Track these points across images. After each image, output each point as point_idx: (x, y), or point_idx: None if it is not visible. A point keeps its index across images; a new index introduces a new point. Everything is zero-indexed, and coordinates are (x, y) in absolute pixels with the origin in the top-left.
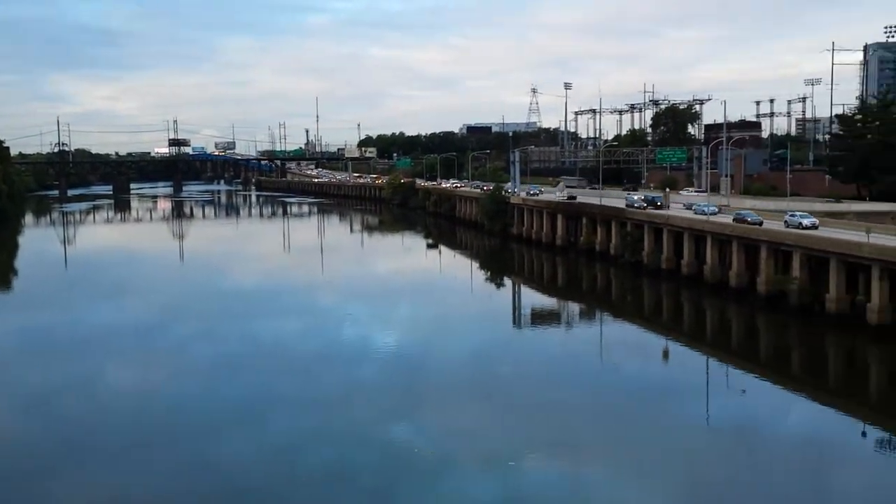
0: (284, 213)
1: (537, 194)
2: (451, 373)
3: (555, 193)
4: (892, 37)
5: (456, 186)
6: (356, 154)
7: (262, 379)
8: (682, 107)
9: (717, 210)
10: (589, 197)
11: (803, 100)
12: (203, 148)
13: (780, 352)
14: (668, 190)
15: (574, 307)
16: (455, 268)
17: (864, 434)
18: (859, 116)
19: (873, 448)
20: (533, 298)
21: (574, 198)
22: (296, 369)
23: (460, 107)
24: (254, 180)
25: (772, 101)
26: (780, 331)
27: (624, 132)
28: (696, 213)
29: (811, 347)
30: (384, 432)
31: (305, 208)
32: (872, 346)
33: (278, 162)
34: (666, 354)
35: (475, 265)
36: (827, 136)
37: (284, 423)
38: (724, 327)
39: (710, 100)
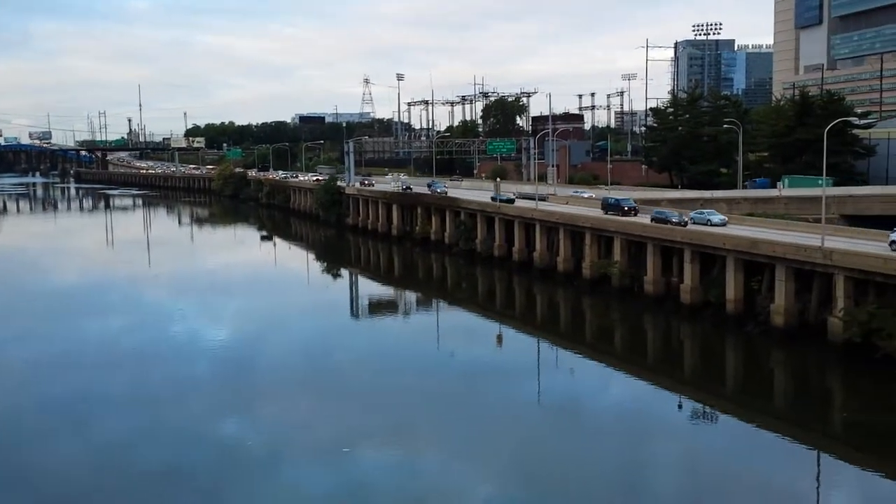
0: (107, 206)
1: (372, 184)
2: (286, 365)
3: (390, 184)
4: (700, 35)
5: (317, 179)
6: (183, 144)
7: (85, 379)
8: (510, 99)
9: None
10: (461, 190)
11: (621, 94)
12: (16, 138)
13: (604, 332)
14: (498, 180)
15: (411, 296)
16: (290, 260)
17: (680, 406)
18: (671, 110)
19: (688, 418)
20: (370, 288)
21: (410, 188)
22: (122, 369)
23: (293, 96)
24: (72, 172)
25: (593, 94)
26: (603, 312)
27: (456, 123)
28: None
29: (632, 327)
30: (216, 429)
31: (129, 201)
32: (685, 323)
33: (99, 153)
34: (500, 338)
35: (311, 256)
36: (643, 129)
37: (110, 424)
38: (552, 310)
39: (536, 93)
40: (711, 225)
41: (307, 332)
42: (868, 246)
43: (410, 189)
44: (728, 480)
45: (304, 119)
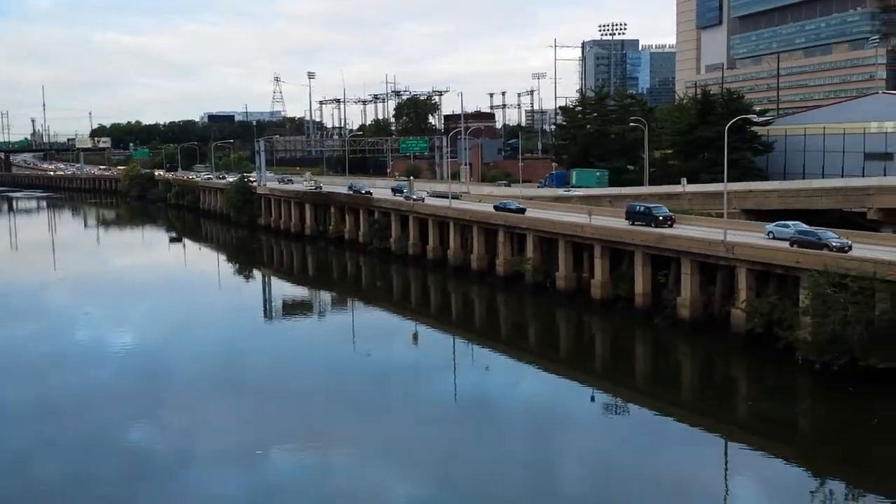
0: (10, 208)
1: (290, 182)
2: (197, 369)
3: (302, 183)
4: (606, 35)
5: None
6: (89, 144)
7: None
8: (422, 98)
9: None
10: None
11: (531, 93)
12: None
13: (518, 328)
14: (411, 178)
15: (325, 296)
16: (201, 261)
17: (592, 399)
18: (579, 108)
19: (600, 411)
20: (283, 289)
21: (320, 187)
22: (22, 375)
23: (201, 95)
24: None
25: (503, 93)
26: (517, 308)
27: (368, 122)
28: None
29: (545, 322)
30: (123, 435)
31: (34, 203)
32: (596, 318)
33: (1, 154)
34: (415, 337)
35: (223, 258)
36: (553, 127)
37: (7, 433)
38: (467, 308)
39: (448, 91)
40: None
41: (219, 334)
42: (759, 239)
43: (321, 188)
44: (637, 470)
45: (213, 118)
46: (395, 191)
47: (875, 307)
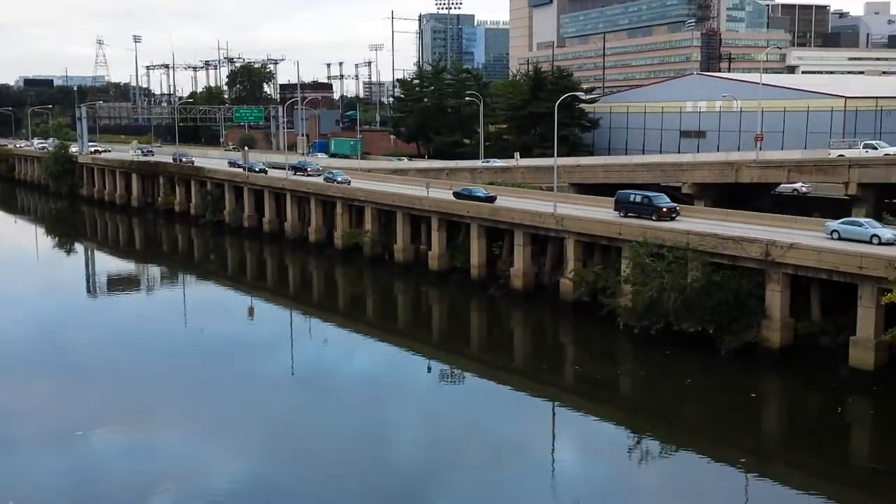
0: None
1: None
2: (13, 348)
3: (129, 151)
4: (443, 9)
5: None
6: None
7: None
8: (256, 66)
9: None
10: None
11: (368, 64)
12: None
13: (356, 300)
14: (246, 148)
15: (155, 270)
16: (16, 234)
17: (429, 369)
18: (417, 81)
19: (437, 380)
20: (109, 264)
21: (152, 153)
22: None
23: (16, 58)
24: None
25: (341, 63)
26: (356, 281)
27: (200, 89)
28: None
29: (383, 294)
30: None
31: None
32: (434, 289)
33: None
34: (251, 311)
35: (41, 231)
36: (391, 99)
37: None
38: (305, 281)
39: (283, 60)
40: None
41: (37, 312)
42: (588, 211)
43: (152, 154)
44: (467, 435)
45: (29, 82)
46: (232, 164)
47: (688, 275)
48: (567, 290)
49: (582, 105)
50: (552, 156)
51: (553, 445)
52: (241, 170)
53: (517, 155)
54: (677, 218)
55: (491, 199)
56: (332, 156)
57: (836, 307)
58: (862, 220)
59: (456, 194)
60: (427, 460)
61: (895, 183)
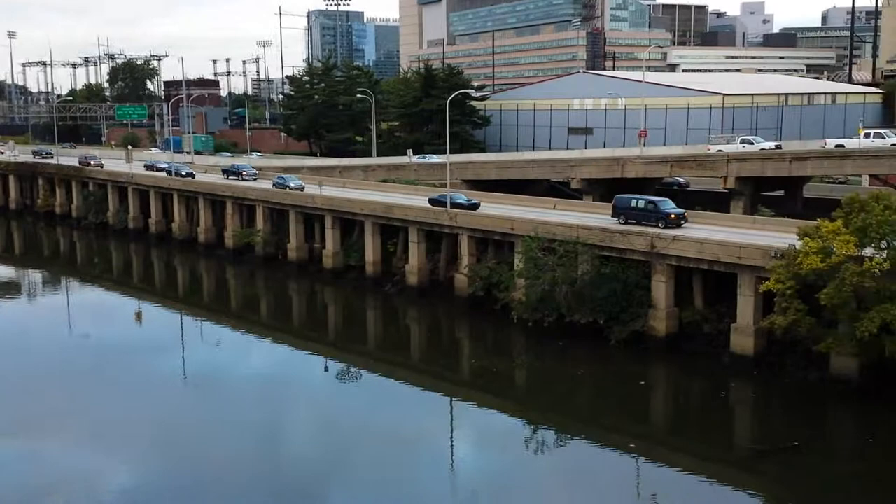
0: None
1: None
2: None
3: (4, 152)
4: (332, 5)
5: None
6: None
7: None
8: (139, 62)
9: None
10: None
11: (256, 60)
12: None
13: (249, 301)
14: (129, 147)
15: (36, 276)
16: None
17: (326, 368)
18: (307, 78)
19: (335, 379)
20: None
21: (50, 155)
22: None
23: None
24: None
25: (227, 60)
26: (248, 281)
27: (79, 87)
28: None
29: (277, 294)
30: None
31: None
32: (329, 288)
33: None
34: (139, 315)
35: None
36: (280, 96)
37: None
38: (195, 283)
39: (167, 56)
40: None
41: None
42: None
43: (51, 156)
44: (369, 433)
45: None
46: (150, 167)
47: (578, 268)
48: (462, 286)
49: (473, 102)
50: (444, 152)
51: (451, 439)
52: (162, 174)
53: (410, 152)
54: (684, 225)
55: (474, 206)
56: (185, 153)
57: (718, 296)
58: None
59: (432, 201)
60: (324, 459)
61: (770, 176)
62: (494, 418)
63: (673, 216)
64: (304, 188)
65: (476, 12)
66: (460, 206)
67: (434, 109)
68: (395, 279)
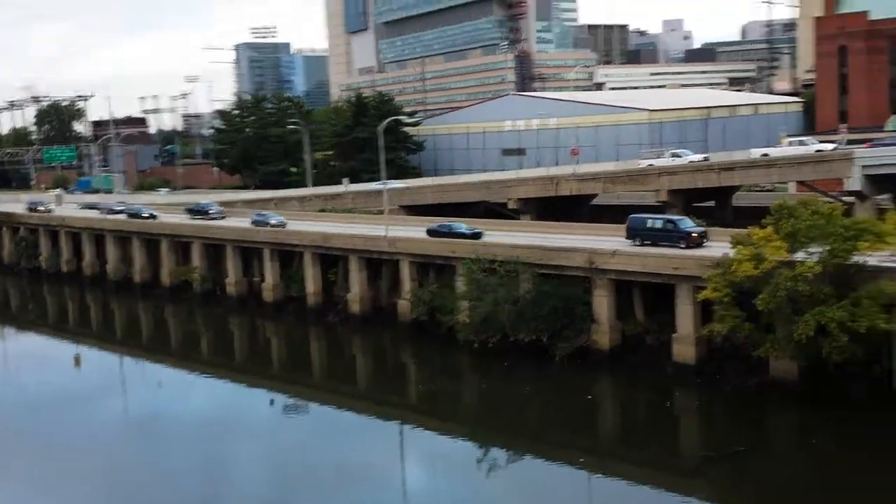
0: None
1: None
2: None
3: None
4: (259, 38)
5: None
6: None
7: None
8: (65, 104)
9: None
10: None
11: (185, 96)
12: None
13: (189, 339)
14: (60, 190)
15: None
16: None
17: (272, 402)
18: (237, 112)
19: (280, 412)
20: None
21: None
22: None
23: None
24: None
25: (155, 97)
26: (187, 319)
27: (5, 131)
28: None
29: (217, 330)
30: None
31: None
32: (270, 321)
33: None
34: (77, 360)
35: None
36: (211, 131)
37: None
38: (133, 324)
39: (93, 96)
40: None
41: None
42: (421, 232)
43: None
44: (318, 465)
45: None
46: (108, 211)
47: (519, 287)
48: (405, 311)
49: (406, 128)
50: (380, 179)
51: (402, 465)
52: (121, 216)
53: (346, 181)
54: (706, 244)
55: (477, 236)
56: (95, 191)
57: (659, 307)
58: None
59: (431, 231)
60: (273, 497)
61: (701, 188)
62: (445, 442)
63: (694, 235)
64: (285, 225)
65: (404, 39)
66: (463, 235)
67: (367, 137)
68: (338, 308)
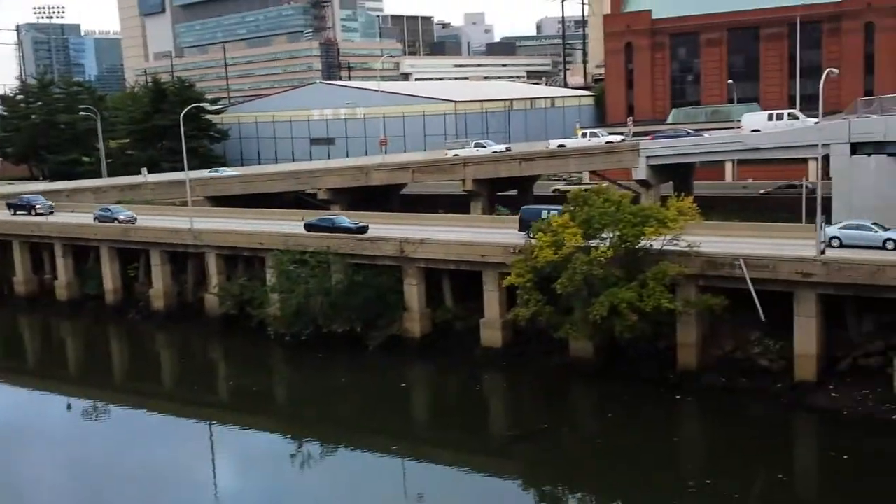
0: None
1: None
2: None
3: None
4: (44, 19)
5: None
6: None
7: None
8: None
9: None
10: None
11: None
12: None
13: None
14: None
15: None
16: None
17: (69, 407)
18: (21, 97)
19: (79, 417)
20: None
21: None
22: None
23: None
24: None
25: None
26: None
27: None
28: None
29: (5, 333)
30: None
31: None
32: (66, 321)
33: None
34: None
35: None
36: None
37: None
38: None
39: None
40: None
41: None
42: (232, 224)
43: None
44: (123, 471)
45: None
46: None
47: (331, 278)
48: (213, 306)
49: (209, 116)
50: (182, 169)
51: (213, 464)
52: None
53: (145, 171)
54: None
55: (363, 230)
56: None
57: (467, 294)
58: (867, 222)
59: (310, 226)
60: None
61: (504, 177)
62: (258, 438)
63: None
64: (135, 220)
65: (204, 23)
66: (348, 230)
67: (167, 125)
68: (140, 305)
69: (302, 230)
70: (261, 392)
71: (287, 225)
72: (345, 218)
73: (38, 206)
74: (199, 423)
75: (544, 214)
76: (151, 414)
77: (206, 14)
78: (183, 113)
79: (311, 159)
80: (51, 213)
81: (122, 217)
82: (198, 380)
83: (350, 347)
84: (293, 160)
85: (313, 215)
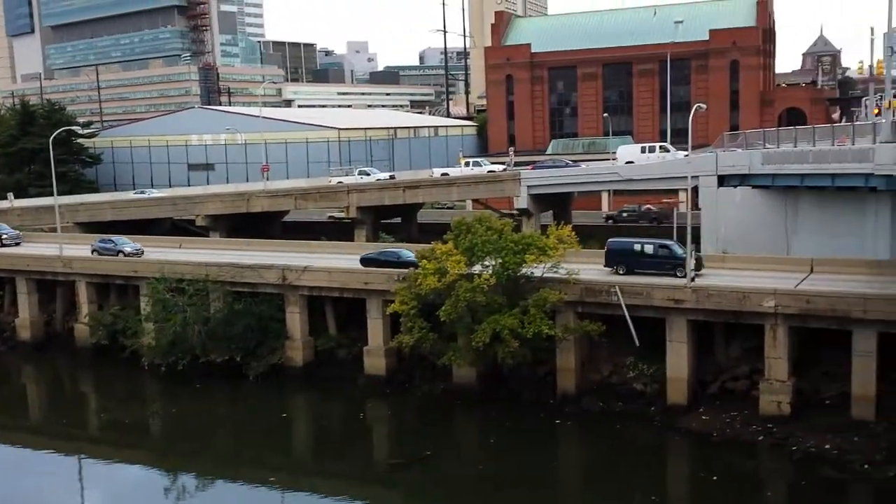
0: None
1: None
2: None
3: None
4: None
5: None
6: None
7: None
8: None
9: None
10: None
11: None
12: None
13: None
14: None
15: None
16: None
17: None
18: None
19: None
20: None
21: None
22: None
23: None
24: None
25: None
26: None
27: None
28: None
29: None
30: None
31: None
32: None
33: None
34: None
35: None
36: None
37: None
38: None
39: None
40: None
41: None
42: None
43: None
44: None
45: None
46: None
47: (210, 307)
48: (83, 336)
49: (80, 140)
50: (51, 194)
51: (82, 499)
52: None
53: (11, 196)
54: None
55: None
56: None
57: (351, 321)
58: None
59: (368, 261)
60: None
61: (388, 205)
62: (130, 472)
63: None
64: (142, 253)
65: (75, 45)
66: (412, 264)
67: (36, 148)
68: (5, 335)
69: (173, 257)
70: (134, 424)
71: (164, 252)
72: (411, 252)
73: (4, 236)
74: (68, 457)
75: (636, 248)
76: (17, 448)
77: (77, 35)
78: (52, 136)
79: (188, 185)
80: (18, 244)
81: (128, 250)
82: (67, 412)
83: (230, 377)
84: (170, 186)
85: (373, 248)
